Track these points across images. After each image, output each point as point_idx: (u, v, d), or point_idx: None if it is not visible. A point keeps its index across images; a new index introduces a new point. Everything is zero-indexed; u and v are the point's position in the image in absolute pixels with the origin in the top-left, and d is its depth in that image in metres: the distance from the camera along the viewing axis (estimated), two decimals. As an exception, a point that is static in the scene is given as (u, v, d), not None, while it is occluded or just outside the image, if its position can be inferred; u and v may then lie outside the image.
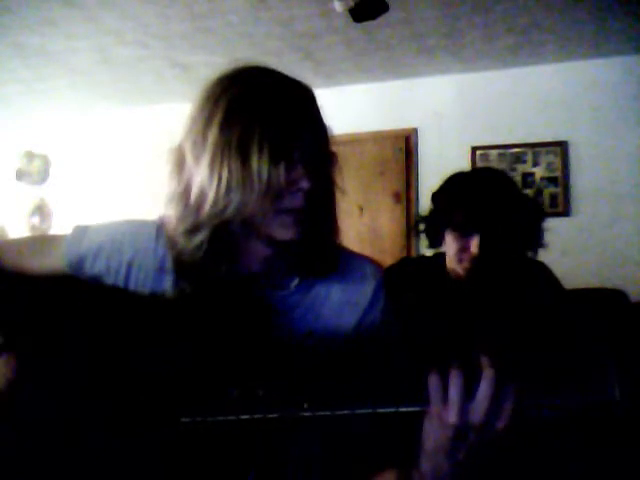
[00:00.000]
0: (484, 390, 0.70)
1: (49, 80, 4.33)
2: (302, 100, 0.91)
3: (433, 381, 0.71)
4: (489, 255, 1.48)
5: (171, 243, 0.91)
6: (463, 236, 1.51)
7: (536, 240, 1.56)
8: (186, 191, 0.88)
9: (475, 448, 0.74)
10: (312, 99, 0.93)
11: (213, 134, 0.86)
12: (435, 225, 1.61)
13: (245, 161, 0.84)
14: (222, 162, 0.85)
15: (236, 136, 0.85)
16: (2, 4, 3.14)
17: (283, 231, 0.89)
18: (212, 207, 0.85)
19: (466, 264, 1.52)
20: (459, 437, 0.72)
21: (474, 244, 1.48)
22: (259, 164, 0.83)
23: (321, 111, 0.94)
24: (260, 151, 0.84)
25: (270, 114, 0.85)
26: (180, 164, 0.90)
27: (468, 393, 0.71)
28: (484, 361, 0.71)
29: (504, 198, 1.49)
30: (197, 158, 0.87)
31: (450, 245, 1.55)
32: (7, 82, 4.36)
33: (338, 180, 0.96)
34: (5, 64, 4.02)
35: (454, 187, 1.58)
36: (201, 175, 0.86)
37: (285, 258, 0.94)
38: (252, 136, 0.84)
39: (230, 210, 0.84)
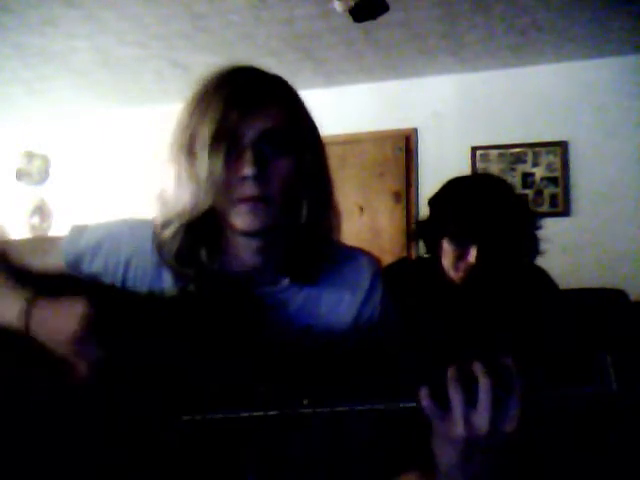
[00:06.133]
0: (484, 401, 0.70)
1: (49, 80, 4.33)
2: (259, 86, 0.92)
3: (429, 405, 0.72)
4: (486, 264, 1.49)
5: (154, 235, 0.96)
6: (460, 246, 1.52)
7: (533, 247, 1.57)
8: (160, 191, 0.95)
9: (488, 455, 0.73)
10: (280, 85, 0.95)
11: (175, 135, 0.92)
12: (432, 232, 1.61)
13: (191, 157, 0.89)
14: (176, 161, 0.91)
15: (187, 134, 0.90)
16: (2, 4, 3.14)
17: (241, 221, 0.89)
18: (174, 206, 0.91)
19: (462, 273, 1.53)
20: (469, 448, 0.72)
21: (471, 254, 1.48)
22: (200, 158, 0.87)
23: (298, 98, 0.96)
24: (202, 144, 0.87)
25: (217, 106, 0.88)
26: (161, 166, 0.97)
27: (471, 402, 0.71)
28: (479, 370, 0.71)
29: (500, 208, 1.50)
30: (165, 160, 0.94)
31: (447, 253, 1.56)
32: (7, 82, 4.36)
33: (328, 166, 0.97)
34: (5, 64, 4.02)
35: (451, 196, 1.58)
36: (165, 176, 0.93)
37: (276, 254, 0.95)
38: (198, 131, 0.88)
39: (186, 207, 0.89)
